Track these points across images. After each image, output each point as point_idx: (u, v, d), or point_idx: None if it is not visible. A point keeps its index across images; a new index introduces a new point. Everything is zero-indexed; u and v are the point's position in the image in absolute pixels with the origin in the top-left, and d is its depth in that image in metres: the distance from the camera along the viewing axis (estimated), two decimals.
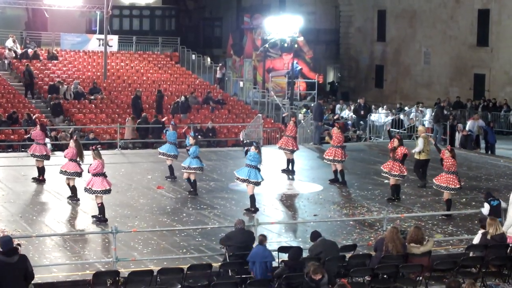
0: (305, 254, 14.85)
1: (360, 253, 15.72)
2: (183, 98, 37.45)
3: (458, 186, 20.01)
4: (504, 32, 45.91)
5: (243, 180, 20.06)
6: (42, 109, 36.87)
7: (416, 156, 23.89)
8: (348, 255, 15.09)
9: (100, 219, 18.79)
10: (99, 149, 19.75)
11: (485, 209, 17.34)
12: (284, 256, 14.82)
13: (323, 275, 12.92)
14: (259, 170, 20.12)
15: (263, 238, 14.71)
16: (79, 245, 16.89)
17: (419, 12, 51.26)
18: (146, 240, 17.21)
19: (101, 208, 18.84)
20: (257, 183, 20.05)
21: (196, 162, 21.81)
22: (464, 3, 48.15)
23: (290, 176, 25.35)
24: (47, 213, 19.96)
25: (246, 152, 20.54)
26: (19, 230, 17.90)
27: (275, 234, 17.96)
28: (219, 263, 14.90)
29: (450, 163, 19.88)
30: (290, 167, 25.61)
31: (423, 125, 32.19)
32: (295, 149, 25.55)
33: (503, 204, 17.45)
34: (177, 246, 16.93)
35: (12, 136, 32.12)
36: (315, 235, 15.05)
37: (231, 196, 22.15)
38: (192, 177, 22.02)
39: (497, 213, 17.06)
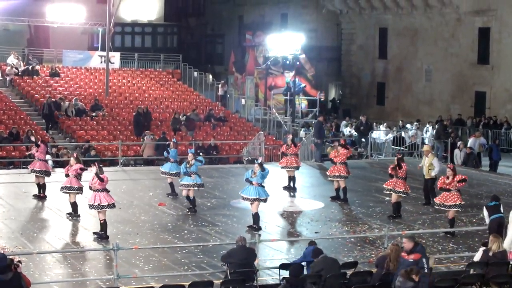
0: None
1: (361, 270, 15.69)
2: (172, 119, 37.35)
3: (463, 202, 20.08)
4: (504, 50, 46.03)
5: (253, 200, 19.90)
6: (43, 125, 36.88)
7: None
8: (349, 272, 15.08)
9: (102, 236, 18.77)
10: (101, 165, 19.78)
11: (484, 213, 17.96)
12: (285, 273, 14.79)
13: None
14: (263, 187, 20.13)
15: (313, 242, 15.67)
16: (80, 262, 16.88)
17: (421, 30, 51.40)
18: (147, 257, 17.19)
19: (104, 224, 18.83)
20: (266, 200, 20.09)
21: (195, 178, 21.82)
22: (465, 22, 48.28)
23: (292, 193, 25.36)
24: (48, 230, 19.95)
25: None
26: (20, 247, 17.89)
27: (276, 251, 17.94)
28: (221, 280, 14.89)
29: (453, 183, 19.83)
30: (291, 184, 25.63)
31: (427, 143, 32.03)
32: (299, 165, 25.71)
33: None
34: (178, 263, 16.92)
35: (13, 153, 32.12)
36: (316, 252, 15.05)
37: (232, 213, 22.14)
38: (190, 194, 22.01)
39: (496, 211, 17.66)
